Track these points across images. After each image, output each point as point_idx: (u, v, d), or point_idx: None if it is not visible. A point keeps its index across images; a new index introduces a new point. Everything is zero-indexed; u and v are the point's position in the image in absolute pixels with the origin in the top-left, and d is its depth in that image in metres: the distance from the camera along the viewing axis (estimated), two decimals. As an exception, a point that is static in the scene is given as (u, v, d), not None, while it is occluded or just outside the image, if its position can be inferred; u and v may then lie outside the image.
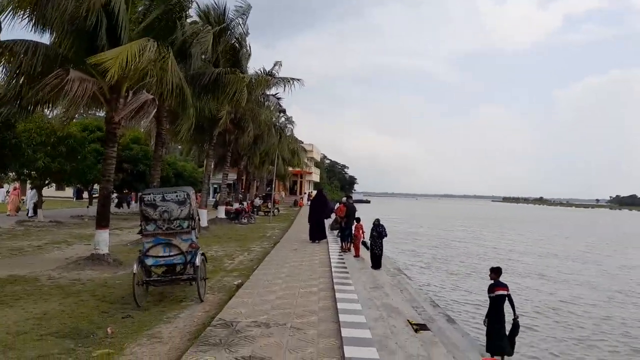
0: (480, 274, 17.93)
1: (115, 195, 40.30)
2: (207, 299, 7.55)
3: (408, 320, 7.86)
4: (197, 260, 7.22)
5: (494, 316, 7.02)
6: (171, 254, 7.19)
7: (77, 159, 20.50)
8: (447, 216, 71.49)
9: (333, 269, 9.80)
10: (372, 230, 14.33)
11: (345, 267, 10.42)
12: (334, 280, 8.35)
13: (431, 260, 21.88)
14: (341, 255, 12.91)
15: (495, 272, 6.93)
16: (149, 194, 7.36)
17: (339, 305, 6.41)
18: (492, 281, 6.94)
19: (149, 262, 7.15)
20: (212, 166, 21.28)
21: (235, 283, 8.88)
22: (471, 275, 18.00)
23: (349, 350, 4.60)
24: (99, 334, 5.52)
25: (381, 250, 14.14)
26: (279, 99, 23.85)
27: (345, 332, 5.15)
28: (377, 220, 14.47)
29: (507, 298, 7.32)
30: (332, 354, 4.80)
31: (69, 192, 44.66)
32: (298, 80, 20.99)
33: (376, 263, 14.05)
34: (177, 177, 32.34)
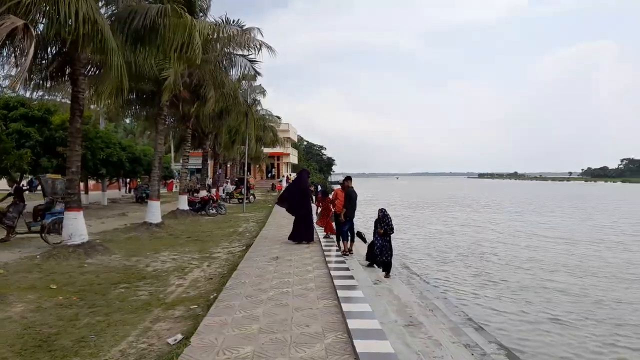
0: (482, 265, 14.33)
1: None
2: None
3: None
4: None
5: None
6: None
7: (-12, 142, 16.04)
8: (445, 199, 68.87)
9: (342, 301, 5.78)
10: (377, 224, 10.41)
11: (358, 290, 6.47)
12: (354, 341, 4.31)
13: (452, 255, 18.27)
14: (342, 261, 8.96)
15: None
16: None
17: None
18: None
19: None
20: (162, 143, 16.83)
21: (171, 342, 4.87)
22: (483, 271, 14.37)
23: None
24: None
25: (391, 252, 10.36)
26: (252, 61, 18.80)
27: None
28: (383, 210, 10.49)
29: None
30: None
31: (3, 183, 38.49)
32: (270, 48, 16.51)
33: (387, 269, 10.28)
34: (133, 163, 27.79)
